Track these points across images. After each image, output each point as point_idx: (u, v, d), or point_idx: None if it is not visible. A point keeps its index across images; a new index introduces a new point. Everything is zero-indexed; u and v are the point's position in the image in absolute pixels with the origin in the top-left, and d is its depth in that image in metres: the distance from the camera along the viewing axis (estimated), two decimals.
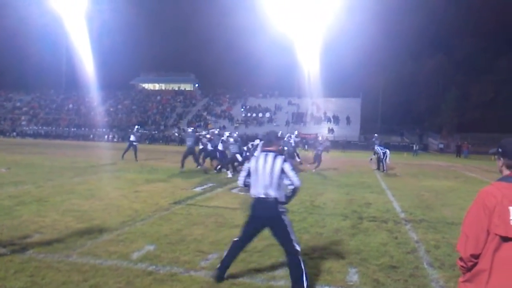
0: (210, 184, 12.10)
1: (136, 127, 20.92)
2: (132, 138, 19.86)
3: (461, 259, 2.38)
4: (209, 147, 16.76)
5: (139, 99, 66.69)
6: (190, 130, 19.18)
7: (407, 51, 55.38)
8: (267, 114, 55.93)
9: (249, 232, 4.50)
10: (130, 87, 76.00)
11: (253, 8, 42.24)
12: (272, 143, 4.50)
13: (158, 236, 6.14)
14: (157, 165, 18.13)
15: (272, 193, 4.27)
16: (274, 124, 50.85)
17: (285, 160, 4.33)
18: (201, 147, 17.39)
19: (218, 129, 19.42)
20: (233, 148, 14.82)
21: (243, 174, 4.59)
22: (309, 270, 4.98)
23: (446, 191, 12.50)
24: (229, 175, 14.17)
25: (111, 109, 61.41)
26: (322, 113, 54.38)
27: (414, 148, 39.43)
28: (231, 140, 15.49)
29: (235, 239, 4.57)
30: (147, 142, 46.67)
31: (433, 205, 9.81)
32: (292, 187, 4.32)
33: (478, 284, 2.30)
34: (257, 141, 16.89)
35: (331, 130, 49.46)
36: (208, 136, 17.43)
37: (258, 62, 56.88)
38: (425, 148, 46.59)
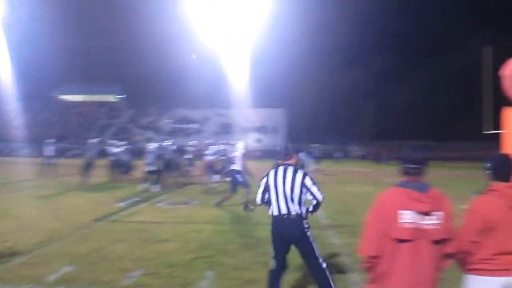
0: (135, 199, 11.74)
1: (53, 140, 19.76)
2: (49, 153, 18.73)
3: (364, 261, 2.52)
4: (124, 158, 16.33)
5: (60, 111, 63.46)
6: (93, 141, 18.54)
7: (329, 63, 57.83)
8: (195, 125, 55.57)
9: (281, 255, 4.23)
10: (50, 98, 72.01)
11: (180, 20, 41.94)
12: (291, 156, 4.19)
13: (77, 256, 5.85)
14: (78, 180, 17.28)
15: (295, 209, 4.04)
16: (203, 135, 50.57)
17: (306, 174, 4.07)
18: (112, 159, 16.84)
19: (126, 144, 18.67)
20: (148, 158, 14.44)
21: (260, 190, 4.25)
22: (232, 281, 4.99)
23: (368, 196, 13.08)
24: (156, 188, 13.78)
25: (30, 122, 57.81)
26: (250, 123, 55.00)
27: (337, 155, 41.01)
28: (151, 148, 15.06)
29: (272, 269, 4.26)
30: (68, 156, 44.41)
31: (356, 210, 10.20)
32: (314, 202, 4.08)
33: (381, 285, 2.45)
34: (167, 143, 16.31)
35: (258, 140, 50.15)
36: (121, 148, 16.90)
37: (185, 73, 56.41)
38: (346, 155, 48.58)
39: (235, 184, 10.42)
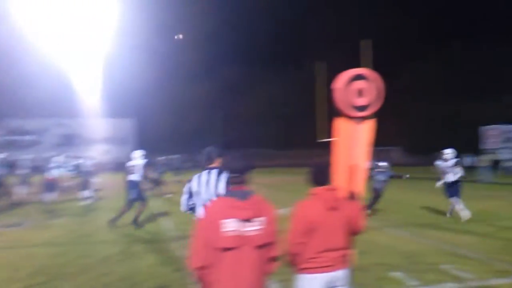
0: None
1: None
2: None
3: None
4: None
5: None
6: None
7: (180, 75, 57.70)
8: (31, 137, 50.49)
9: None
10: None
11: (15, 24, 37.61)
12: (213, 159, 4.08)
13: None
14: None
15: None
16: (41, 147, 46.22)
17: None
18: None
19: None
20: None
21: (184, 197, 4.03)
22: None
23: None
24: None
25: None
26: (96, 134, 51.98)
27: (186, 165, 41.07)
28: None
29: None
30: None
31: None
32: None
33: None
34: None
35: (105, 152, 47.69)
36: None
37: (22, 80, 50.89)
38: (196, 165, 49.01)
39: (138, 196, 9.53)
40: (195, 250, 2.46)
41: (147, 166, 9.97)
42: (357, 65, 4.10)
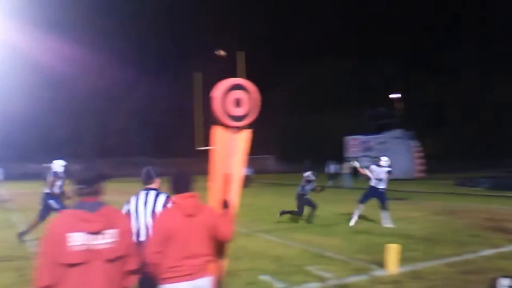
0: None
1: None
2: None
3: None
4: None
5: None
6: None
7: (47, 78, 53.17)
8: None
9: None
10: None
11: None
12: (153, 180, 3.85)
13: None
14: None
15: None
16: None
17: (169, 198, 3.61)
18: None
19: None
20: None
21: None
22: None
23: None
24: None
25: None
26: None
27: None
28: None
29: None
30: None
31: None
32: None
33: None
34: None
35: None
36: None
37: None
38: (67, 176, 45.64)
39: (47, 211, 8.56)
40: (41, 268, 2.27)
41: (53, 177, 9.03)
42: (232, 75, 4.21)
